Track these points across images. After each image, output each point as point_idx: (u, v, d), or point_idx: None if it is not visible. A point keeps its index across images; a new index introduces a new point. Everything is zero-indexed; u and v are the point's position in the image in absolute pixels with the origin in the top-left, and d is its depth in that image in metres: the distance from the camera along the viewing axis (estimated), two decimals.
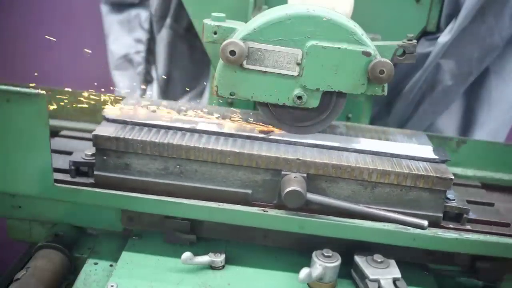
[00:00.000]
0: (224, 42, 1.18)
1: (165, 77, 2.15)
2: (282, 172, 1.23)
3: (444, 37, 1.71)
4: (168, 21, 2.07)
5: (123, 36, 2.15)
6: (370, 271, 1.16)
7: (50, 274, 1.17)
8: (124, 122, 1.30)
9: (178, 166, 1.25)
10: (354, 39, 1.18)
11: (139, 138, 1.23)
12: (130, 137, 1.23)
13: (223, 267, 1.22)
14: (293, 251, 1.29)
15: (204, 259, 1.20)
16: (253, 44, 1.19)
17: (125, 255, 1.23)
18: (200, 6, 1.66)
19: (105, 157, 1.25)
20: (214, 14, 1.24)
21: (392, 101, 1.93)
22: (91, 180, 1.28)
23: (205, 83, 2.12)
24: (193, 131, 1.30)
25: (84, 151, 1.31)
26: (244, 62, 1.20)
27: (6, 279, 1.28)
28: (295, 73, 1.21)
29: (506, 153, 1.66)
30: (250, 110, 1.53)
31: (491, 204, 1.42)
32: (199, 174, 1.25)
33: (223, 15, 1.25)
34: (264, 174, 1.25)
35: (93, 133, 1.23)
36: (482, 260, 1.26)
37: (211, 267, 1.21)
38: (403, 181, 1.24)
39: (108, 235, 1.33)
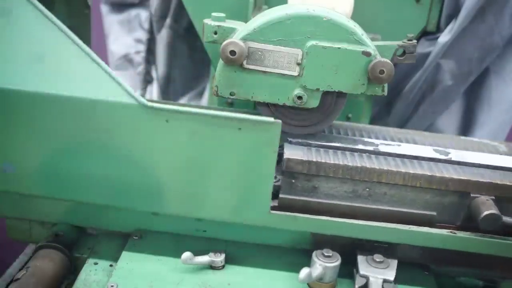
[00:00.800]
0: (224, 42, 1.17)
1: (165, 78, 2.15)
2: (471, 195, 1.22)
3: (444, 37, 1.71)
4: (168, 21, 2.07)
5: (123, 36, 2.15)
6: (363, 267, 1.17)
7: (50, 274, 1.17)
8: (308, 144, 1.28)
9: (367, 189, 1.24)
10: (354, 39, 1.18)
11: (331, 162, 1.21)
12: (323, 161, 1.21)
13: (223, 267, 1.22)
14: (293, 251, 1.29)
15: (204, 259, 1.19)
16: (253, 44, 1.19)
17: (125, 255, 1.22)
18: (200, 6, 1.66)
19: (293, 180, 1.23)
20: (214, 14, 1.24)
21: (392, 101, 1.93)
22: (274, 203, 1.24)
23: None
24: (377, 153, 1.28)
25: None
26: (244, 62, 1.20)
27: (6, 279, 1.28)
28: (295, 73, 1.21)
29: None
30: (250, 110, 1.53)
31: None
32: (388, 197, 1.24)
33: (223, 15, 1.25)
34: (452, 196, 1.24)
35: (285, 156, 1.21)
36: None
37: (211, 267, 1.21)
38: None
39: (108, 235, 1.33)
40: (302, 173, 1.22)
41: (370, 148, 1.29)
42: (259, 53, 1.20)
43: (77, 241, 1.32)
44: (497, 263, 1.27)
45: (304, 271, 1.11)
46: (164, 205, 1.20)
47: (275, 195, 1.23)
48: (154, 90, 2.20)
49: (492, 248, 1.22)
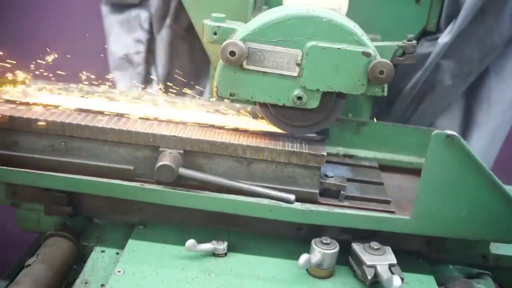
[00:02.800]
0: (224, 43, 1.18)
1: (165, 78, 2.15)
2: (160, 149, 1.26)
3: (444, 38, 1.71)
4: (168, 21, 2.07)
5: (123, 37, 2.15)
6: (367, 258, 1.18)
7: (59, 261, 1.21)
8: (18, 102, 1.33)
9: (63, 143, 1.28)
10: (354, 40, 1.18)
11: (25, 116, 1.25)
12: (17, 115, 1.25)
13: (225, 254, 1.25)
14: (293, 239, 1.31)
15: (208, 246, 1.23)
16: (253, 45, 1.19)
17: (131, 243, 1.26)
18: (200, 6, 1.66)
19: None
20: (214, 14, 1.24)
21: (392, 101, 1.93)
22: None
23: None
24: (80, 110, 1.33)
25: None
26: (244, 63, 1.20)
27: (17, 265, 1.31)
28: (295, 74, 1.21)
29: (405, 135, 1.65)
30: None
31: (380, 183, 1.45)
32: (84, 151, 1.29)
33: (223, 15, 1.25)
34: (144, 150, 1.28)
35: None
36: (348, 233, 1.27)
37: (214, 254, 1.24)
38: (277, 158, 1.27)
39: (114, 225, 1.37)
40: (2, 128, 1.26)
41: (78, 106, 1.33)
42: (259, 53, 1.20)
43: (85, 230, 1.36)
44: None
45: (304, 257, 1.14)
46: None
47: None
48: (153, 90, 2.19)
49: (152, 197, 1.24)
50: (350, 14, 1.56)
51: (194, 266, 1.20)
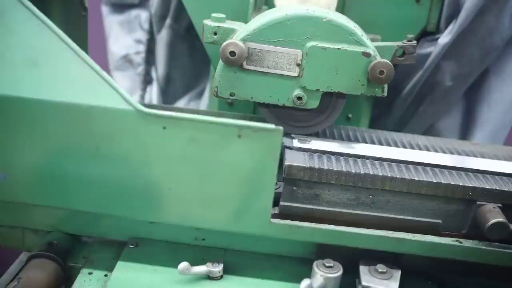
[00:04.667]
0: (224, 43, 1.18)
1: (165, 78, 2.15)
2: (478, 202, 1.18)
3: (444, 38, 1.71)
4: (168, 21, 2.07)
5: (123, 37, 2.16)
6: (366, 278, 1.12)
7: (43, 285, 1.12)
8: (309, 150, 1.25)
9: (370, 197, 1.20)
10: (354, 40, 1.18)
11: (334, 169, 1.17)
12: (325, 168, 1.17)
13: (221, 277, 1.17)
14: (293, 260, 1.25)
15: (202, 269, 1.15)
16: (253, 45, 1.19)
17: (121, 265, 1.18)
18: (200, 6, 1.66)
19: (294, 188, 1.19)
20: (214, 14, 1.24)
21: (392, 101, 1.93)
22: (275, 211, 1.20)
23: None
24: (380, 159, 1.25)
25: None
26: (244, 63, 1.20)
27: None
28: (295, 74, 1.21)
29: None
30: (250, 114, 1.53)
31: None
32: (391, 205, 1.20)
33: (223, 15, 1.25)
34: (458, 204, 1.20)
35: (286, 163, 1.17)
36: None
37: (209, 277, 1.16)
38: None
39: (103, 243, 1.28)
40: (304, 180, 1.18)
41: (374, 154, 1.26)
42: (259, 53, 1.20)
43: (72, 250, 1.27)
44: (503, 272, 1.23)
45: (305, 283, 1.06)
46: (162, 214, 1.15)
47: (275, 202, 1.18)
48: (154, 91, 2.20)
49: (500, 258, 1.17)
50: (350, 14, 1.55)
51: None
